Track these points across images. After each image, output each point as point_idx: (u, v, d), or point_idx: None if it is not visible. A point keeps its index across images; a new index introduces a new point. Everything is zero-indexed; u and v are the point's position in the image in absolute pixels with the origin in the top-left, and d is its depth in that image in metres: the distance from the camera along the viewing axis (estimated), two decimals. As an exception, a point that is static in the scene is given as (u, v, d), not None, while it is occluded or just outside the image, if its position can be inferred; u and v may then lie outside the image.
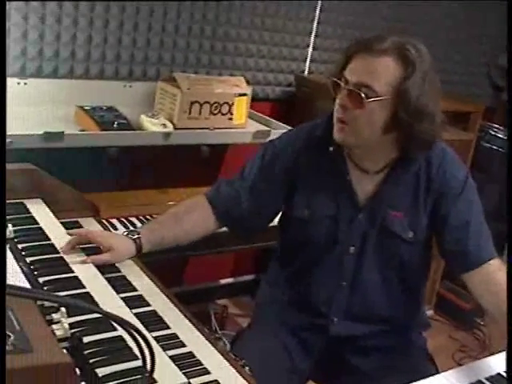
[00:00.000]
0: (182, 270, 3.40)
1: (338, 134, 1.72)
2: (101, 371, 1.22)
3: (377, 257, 1.82)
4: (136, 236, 1.77)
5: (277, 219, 2.00)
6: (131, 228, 2.36)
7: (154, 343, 1.36)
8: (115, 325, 1.32)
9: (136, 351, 1.27)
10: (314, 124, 1.90)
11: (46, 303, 1.37)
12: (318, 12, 3.35)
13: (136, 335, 1.04)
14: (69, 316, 1.35)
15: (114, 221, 2.41)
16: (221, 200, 1.91)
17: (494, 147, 4.03)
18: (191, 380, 1.29)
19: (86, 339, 1.30)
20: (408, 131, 1.65)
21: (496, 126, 4.08)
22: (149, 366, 1.12)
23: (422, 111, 1.63)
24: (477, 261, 1.76)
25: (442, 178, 1.78)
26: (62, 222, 1.85)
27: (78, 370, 1.19)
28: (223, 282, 3.59)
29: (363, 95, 1.62)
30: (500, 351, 1.68)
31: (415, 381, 1.51)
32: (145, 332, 1.36)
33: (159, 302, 1.59)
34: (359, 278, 1.84)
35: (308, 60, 3.44)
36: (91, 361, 1.25)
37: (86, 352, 1.27)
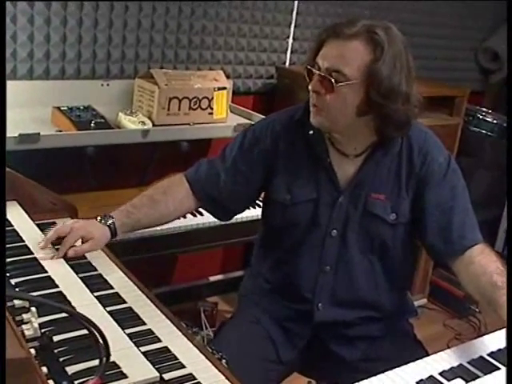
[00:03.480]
0: (171, 269, 3.39)
1: (313, 118, 1.73)
2: (70, 369, 1.21)
3: (360, 240, 1.82)
4: (110, 221, 1.77)
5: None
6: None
7: (127, 339, 1.36)
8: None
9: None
10: (294, 109, 1.90)
11: (17, 304, 1.37)
12: (296, 2, 3.33)
13: (88, 326, 1.01)
14: (39, 316, 1.35)
15: (95, 221, 2.38)
16: (200, 180, 1.91)
17: (483, 131, 4.00)
18: (165, 375, 1.27)
19: (56, 338, 1.30)
20: (382, 112, 1.66)
21: (484, 109, 4.05)
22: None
23: (394, 91, 1.63)
24: (460, 248, 1.75)
25: (424, 161, 1.78)
26: (38, 224, 1.85)
27: (45, 369, 1.19)
28: (212, 279, 3.57)
29: (333, 80, 1.63)
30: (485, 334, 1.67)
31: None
32: (117, 328, 1.39)
33: (136, 299, 1.56)
34: (343, 261, 1.83)
35: (289, 51, 3.42)
36: (61, 359, 1.24)
37: (56, 350, 1.26)
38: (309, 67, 1.70)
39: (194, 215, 2.54)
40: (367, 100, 1.64)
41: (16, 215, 1.85)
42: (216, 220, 2.51)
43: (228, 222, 2.59)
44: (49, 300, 1.24)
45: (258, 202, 2.17)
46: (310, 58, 1.73)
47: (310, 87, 1.70)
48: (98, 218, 1.79)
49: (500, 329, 1.66)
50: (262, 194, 1.98)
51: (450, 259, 1.77)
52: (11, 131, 2.20)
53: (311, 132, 1.80)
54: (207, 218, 2.54)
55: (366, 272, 1.84)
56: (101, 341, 1.06)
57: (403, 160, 1.78)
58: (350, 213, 1.80)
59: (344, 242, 1.82)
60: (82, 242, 1.71)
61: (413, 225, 1.82)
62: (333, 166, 1.80)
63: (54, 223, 1.90)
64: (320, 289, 1.85)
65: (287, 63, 3.44)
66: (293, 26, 3.37)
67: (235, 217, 2.57)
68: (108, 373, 1.21)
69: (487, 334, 1.70)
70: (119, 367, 1.24)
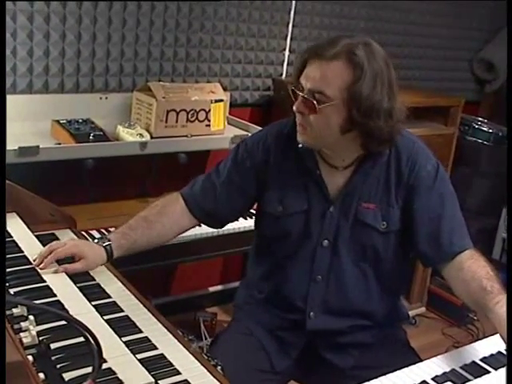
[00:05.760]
0: (170, 279, 3.40)
1: (300, 137, 1.77)
2: (67, 375, 1.24)
3: (351, 249, 1.84)
4: (107, 243, 1.80)
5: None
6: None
7: (123, 346, 1.38)
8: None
9: (103, 355, 1.29)
10: (284, 122, 1.94)
11: (15, 312, 1.39)
12: (292, 15, 3.36)
13: (82, 330, 1.04)
14: (37, 324, 1.37)
15: (94, 232, 2.41)
16: (196, 195, 1.95)
17: (479, 140, 4.02)
18: (161, 381, 1.29)
19: (53, 345, 1.32)
20: (364, 129, 1.69)
21: (480, 119, 4.08)
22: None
23: (375, 109, 1.65)
24: (450, 254, 1.77)
25: (412, 170, 1.80)
26: (37, 235, 1.88)
27: (42, 375, 1.21)
28: (212, 289, 3.59)
29: (315, 102, 1.66)
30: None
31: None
32: (114, 336, 1.41)
33: (133, 308, 1.59)
34: (334, 271, 1.85)
35: (285, 63, 3.45)
36: (58, 366, 1.26)
37: (53, 358, 1.28)
38: (293, 88, 1.74)
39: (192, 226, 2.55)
40: (349, 119, 1.67)
41: (15, 227, 1.88)
42: (214, 230, 2.56)
43: (226, 233, 2.65)
44: (45, 306, 1.27)
45: (254, 212, 2.19)
46: (294, 78, 1.76)
47: (294, 108, 1.73)
48: (95, 240, 1.83)
49: (493, 334, 1.68)
50: (255, 206, 2.01)
51: (440, 265, 1.80)
52: (11, 144, 2.22)
53: (300, 145, 1.82)
54: (205, 229, 2.55)
55: (358, 281, 1.86)
56: (94, 346, 1.08)
57: (392, 169, 1.80)
58: (341, 223, 1.82)
59: (335, 251, 1.84)
60: (75, 261, 1.72)
61: (404, 233, 1.84)
62: (323, 177, 1.83)
63: (52, 234, 1.93)
64: (312, 298, 1.87)
65: (284, 75, 3.46)
66: (289, 38, 3.40)
67: (233, 227, 2.64)
68: (104, 379, 1.23)
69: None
70: (115, 373, 1.27)
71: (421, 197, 1.79)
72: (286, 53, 3.43)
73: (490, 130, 4.01)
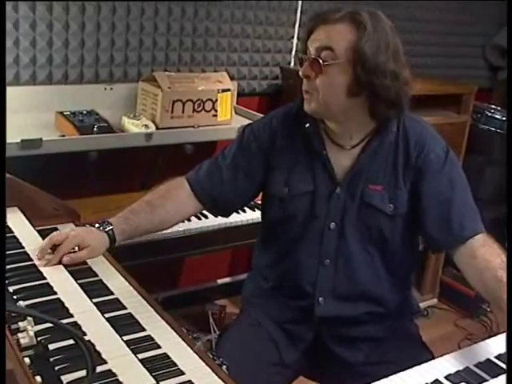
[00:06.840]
0: (179, 272, 3.38)
1: (306, 104, 1.75)
2: (65, 378, 1.20)
3: (358, 232, 1.81)
4: (108, 228, 1.76)
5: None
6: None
7: (124, 346, 1.34)
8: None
9: (103, 356, 1.25)
10: (290, 105, 1.93)
11: (14, 312, 1.36)
12: (300, 2, 3.31)
13: (75, 337, 1.00)
14: (36, 324, 1.33)
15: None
16: (201, 180, 1.92)
17: (492, 128, 3.95)
18: (163, 382, 1.25)
19: (51, 346, 1.28)
20: (371, 90, 1.67)
21: (493, 106, 4.01)
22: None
23: (380, 68, 1.65)
24: (461, 238, 1.73)
25: (420, 153, 1.77)
26: (39, 230, 1.84)
27: (39, 378, 1.17)
28: (220, 281, 3.56)
29: (321, 61, 1.66)
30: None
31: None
32: (115, 335, 1.37)
33: (136, 305, 1.54)
34: (342, 254, 1.82)
35: (294, 51, 3.40)
36: (56, 368, 1.22)
37: (51, 359, 1.25)
38: (300, 55, 1.74)
39: (199, 218, 2.53)
40: (355, 79, 1.66)
41: (17, 221, 1.84)
42: (222, 223, 2.53)
43: (234, 225, 2.61)
44: (28, 309, 1.22)
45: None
46: (301, 48, 1.77)
47: (300, 73, 1.72)
48: (97, 225, 1.78)
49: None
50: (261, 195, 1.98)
51: (451, 250, 1.75)
52: (15, 137, 2.20)
53: (307, 125, 1.81)
54: (213, 221, 2.53)
55: (366, 264, 1.83)
56: (86, 352, 1.04)
57: (400, 150, 1.78)
58: (348, 205, 1.79)
59: (343, 234, 1.81)
60: (79, 250, 1.69)
61: (412, 217, 1.80)
62: (329, 158, 1.80)
63: (55, 229, 1.89)
64: (320, 282, 1.84)
65: (292, 64, 3.41)
66: (297, 25, 3.35)
67: (241, 219, 2.61)
68: (104, 381, 1.19)
69: (499, 334, 1.66)
70: (115, 375, 1.22)
71: (430, 180, 1.76)
72: (294, 41, 3.38)
73: (504, 118, 3.94)
